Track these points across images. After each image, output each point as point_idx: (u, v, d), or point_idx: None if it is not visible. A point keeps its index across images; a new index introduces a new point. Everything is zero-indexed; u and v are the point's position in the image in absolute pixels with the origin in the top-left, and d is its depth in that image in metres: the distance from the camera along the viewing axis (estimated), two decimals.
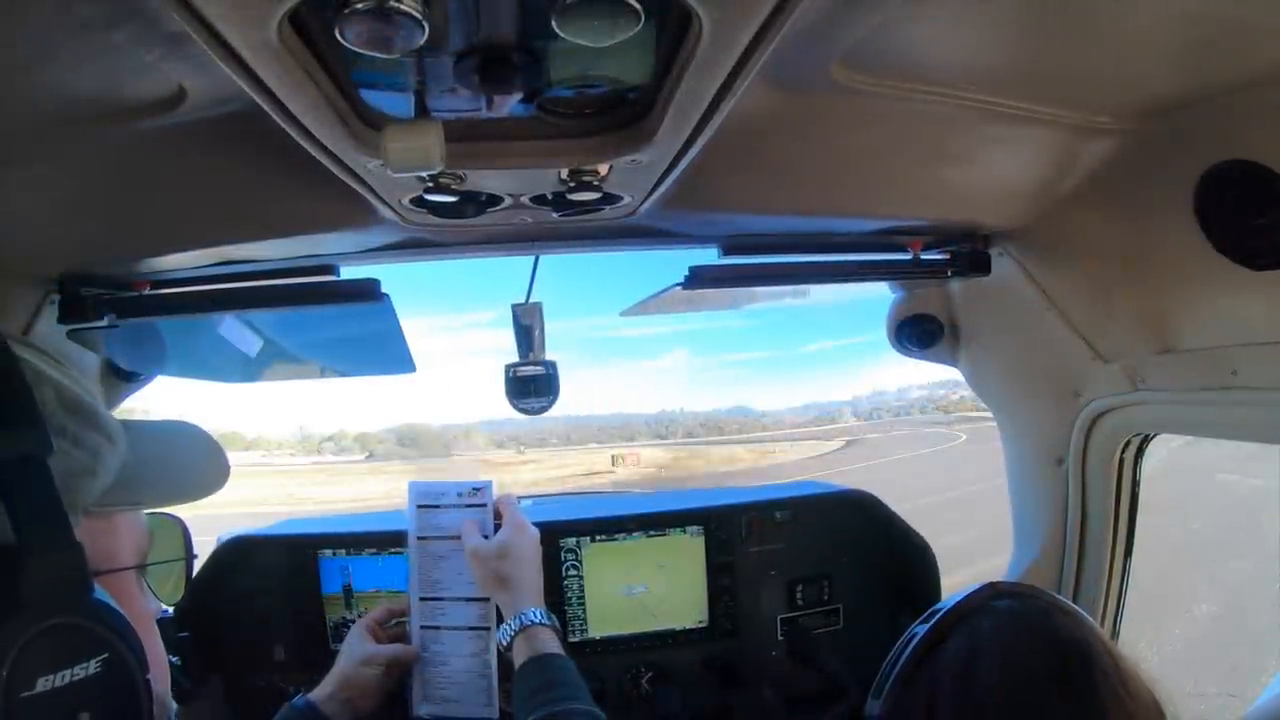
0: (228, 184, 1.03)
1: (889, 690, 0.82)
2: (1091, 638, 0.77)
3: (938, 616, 0.83)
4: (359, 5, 0.53)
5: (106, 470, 0.57)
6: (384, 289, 1.35)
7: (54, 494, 0.48)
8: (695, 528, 1.69)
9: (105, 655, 0.48)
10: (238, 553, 1.61)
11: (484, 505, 1.29)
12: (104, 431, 0.58)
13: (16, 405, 0.48)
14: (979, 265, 1.40)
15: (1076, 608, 0.83)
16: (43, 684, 0.44)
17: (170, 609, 0.71)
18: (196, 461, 0.71)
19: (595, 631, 1.67)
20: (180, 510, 0.80)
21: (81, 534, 0.52)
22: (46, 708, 0.44)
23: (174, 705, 0.65)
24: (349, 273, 1.37)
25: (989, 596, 0.83)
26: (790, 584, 1.71)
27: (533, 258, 1.41)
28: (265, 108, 0.68)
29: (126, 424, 0.63)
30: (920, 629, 0.84)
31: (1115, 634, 1.53)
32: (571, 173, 0.90)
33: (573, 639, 1.66)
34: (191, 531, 0.85)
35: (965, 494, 12.60)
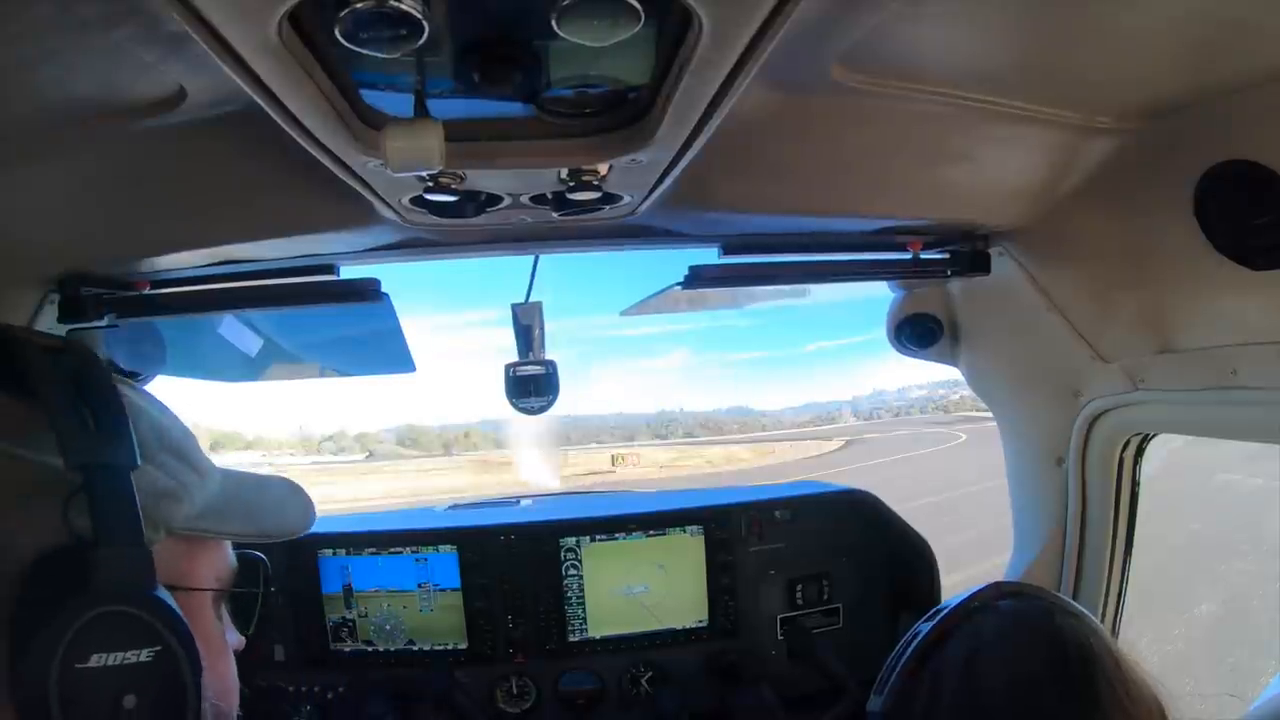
0: (228, 184, 1.03)
1: (891, 687, 0.82)
2: (1094, 639, 0.77)
3: (941, 615, 0.84)
4: (359, 5, 0.53)
5: (192, 500, 0.63)
6: (384, 289, 1.35)
7: (132, 500, 0.53)
8: (695, 527, 1.69)
9: (158, 648, 0.53)
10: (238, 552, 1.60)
11: None
12: (195, 468, 0.65)
13: (110, 421, 0.54)
14: (979, 265, 1.40)
15: (1080, 608, 0.83)
16: (96, 660, 0.50)
17: (243, 636, 0.77)
18: (285, 507, 0.77)
19: (595, 631, 1.67)
20: None
21: (164, 550, 0.58)
22: (97, 682, 0.50)
23: None
24: (349, 272, 1.37)
25: (993, 596, 0.84)
26: (790, 583, 1.71)
27: (532, 257, 1.41)
28: (265, 108, 0.68)
29: (227, 472, 0.70)
30: (924, 627, 0.84)
31: (1115, 633, 1.53)
32: (571, 172, 0.90)
33: (572, 639, 1.66)
34: None
35: (966, 494, 12.60)
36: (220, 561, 0.70)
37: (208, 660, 0.58)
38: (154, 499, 0.57)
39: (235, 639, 0.73)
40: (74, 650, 0.49)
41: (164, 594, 0.55)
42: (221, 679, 0.66)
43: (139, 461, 0.55)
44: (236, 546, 0.73)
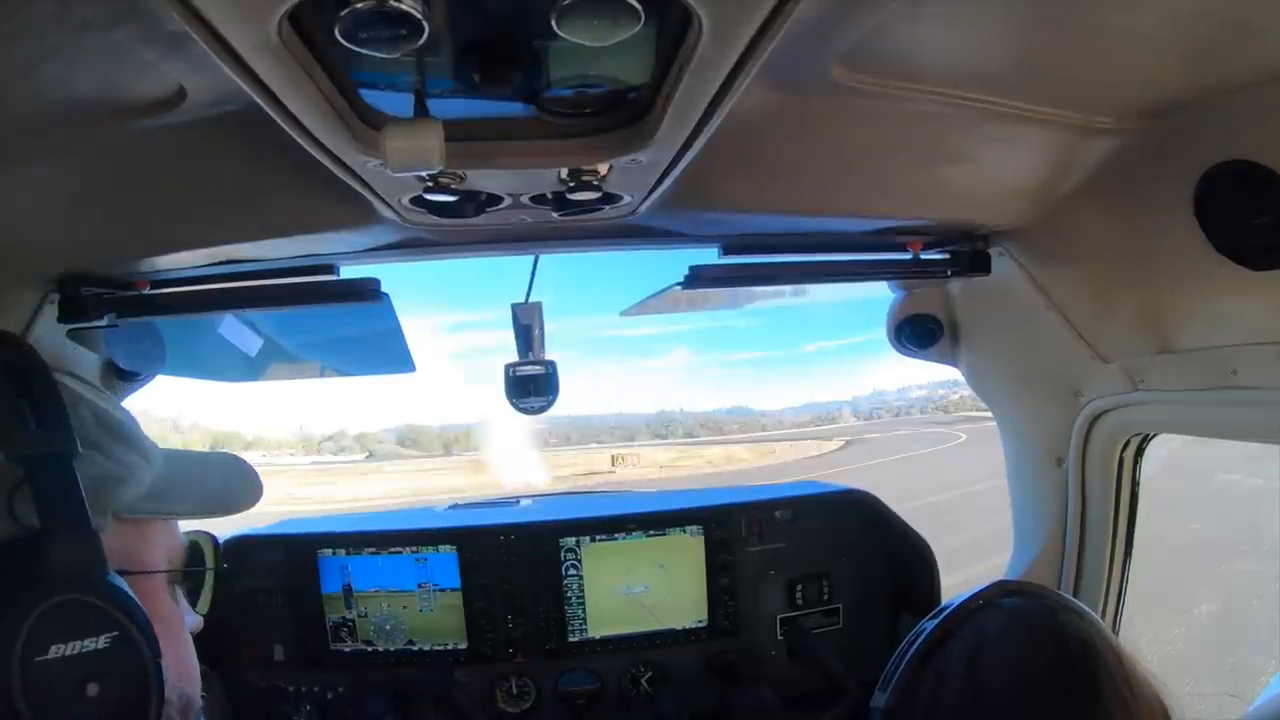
0: (228, 184, 1.03)
1: (895, 684, 0.83)
2: (1097, 637, 0.77)
3: (945, 613, 0.84)
4: (359, 5, 0.53)
5: (138, 482, 0.63)
6: (384, 289, 1.35)
7: (76, 489, 0.53)
8: (695, 527, 1.69)
9: (115, 633, 0.53)
10: (238, 552, 1.61)
11: None
12: (138, 449, 0.64)
13: (49, 411, 0.54)
14: (979, 265, 1.40)
15: (1083, 606, 0.84)
16: (55, 651, 0.50)
17: (201, 617, 0.77)
18: (229, 481, 0.77)
19: (595, 631, 1.67)
20: None
21: (113, 535, 0.58)
22: (58, 673, 0.50)
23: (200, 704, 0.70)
24: (349, 272, 1.37)
25: (996, 594, 0.84)
26: (790, 583, 1.71)
27: (532, 257, 1.41)
28: (265, 107, 0.68)
29: (169, 452, 0.69)
30: (928, 624, 0.85)
31: (1115, 633, 1.53)
32: (571, 172, 0.90)
33: (572, 639, 1.66)
34: None
35: (966, 494, 12.61)
36: (171, 542, 0.69)
37: (166, 642, 0.58)
38: (99, 484, 0.57)
39: (193, 621, 0.73)
40: (32, 643, 0.49)
41: (116, 578, 0.55)
42: (181, 661, 0.65)
43: (80, 448, 0.55)
44: (187, 527, 0.73)
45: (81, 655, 0.51)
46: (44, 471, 0.53)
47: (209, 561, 0.78)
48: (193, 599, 0.75)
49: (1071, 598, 0.88)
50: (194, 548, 0.74)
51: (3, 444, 0.52)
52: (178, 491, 0.68)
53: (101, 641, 0.52)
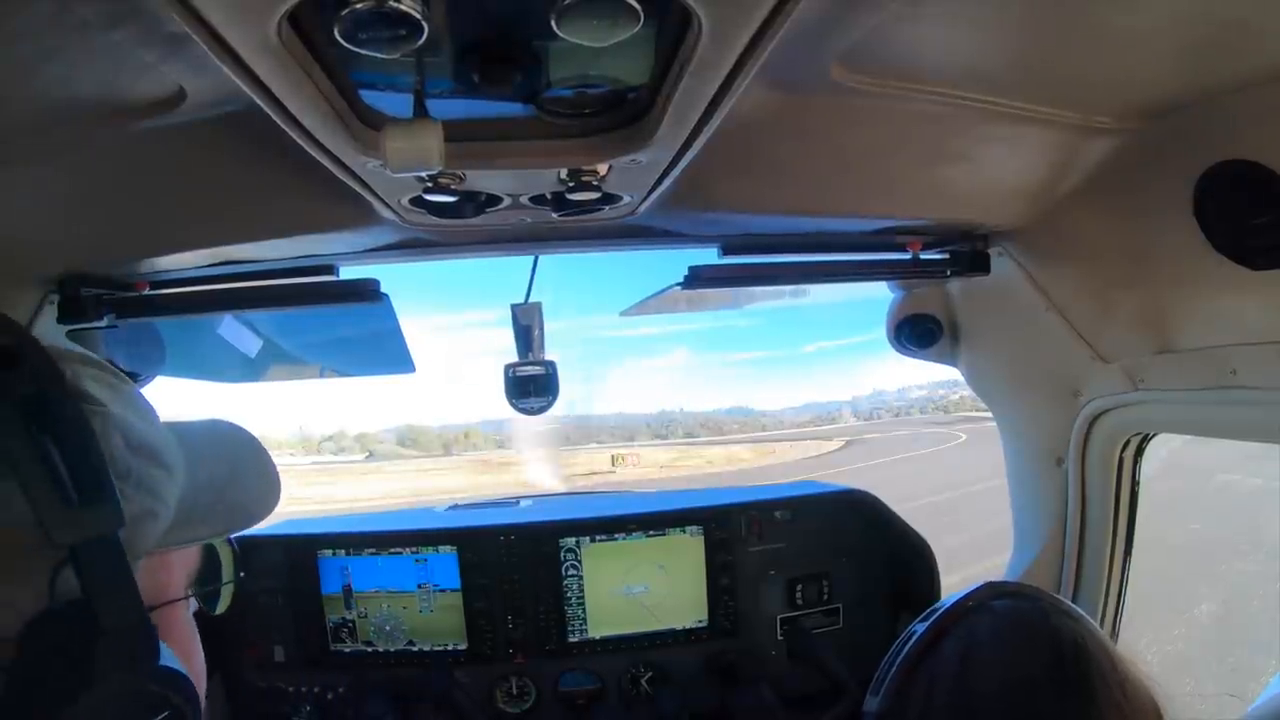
0: (228, 184, 1.03)
1: (887, 688, 0.82)
2: (1089, 639, 0.77)
3: (937, 615, 0.84)
4: (358, 5, 0.53)
5: (167, 508, 0.58)
6: (384, 289, 1.35)
7: (124, 567, 0.50)
8: (695, 527, 1.69)
9: (166, 713, 0.52)
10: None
11: None
12: (164, 465, 0.58)
13: (93, 482, 0.49)
14: (979, 265, 1.40)
15: (1076, 608, 0.83)
16: None
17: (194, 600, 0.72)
18: (246, 479, 0.72)
19: (595, 632, 1.67)
20: None
21: (140, 573, 0.54)
22: None
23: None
24: (349, 273, 1.37)
25: (988, 596, 0.83)
26: (790, 584, 1.71)
27: (532, 257, 1.41)
28: (265, 108, 0.68)
29: (177, 433, 0.63)
30: (919, 627, 0.84)
31: (1115, 633, 1.53)
32: (571, 172, 0.90)
33: (572, 639, 1.66)
34: None
35: (965, 494, 12.61)
36: (190, 559, 0.67)
37: (189, 665, 0.57)
38: (132, 527, 0.53)
39: (194, 605, 0.70)
40: None
41: (168, 659, 0.54)
42: (197, 680, 0.64)
43: (124, 515, 0.50)
44: None
45: None
46: (90, 556, 0.48)
47: (228, 568, 0.74)
48: (208, 602, 0.73)
49: (1064, 600, 0.87)
50: (210, 555, 0.71)
51: (42, 524, 0.46)
52: (203, 508, 0.63)
53: None
